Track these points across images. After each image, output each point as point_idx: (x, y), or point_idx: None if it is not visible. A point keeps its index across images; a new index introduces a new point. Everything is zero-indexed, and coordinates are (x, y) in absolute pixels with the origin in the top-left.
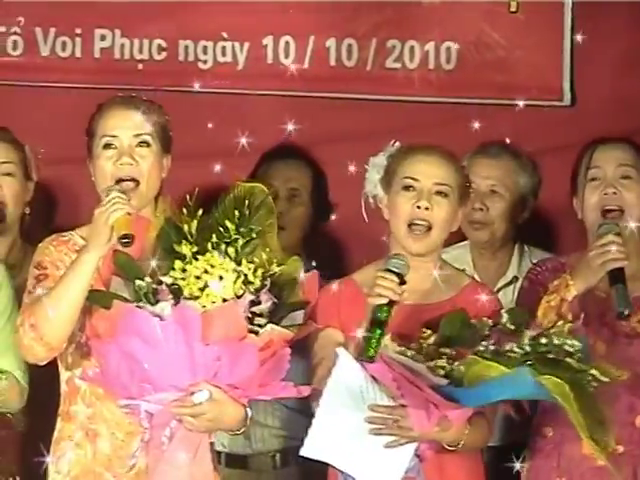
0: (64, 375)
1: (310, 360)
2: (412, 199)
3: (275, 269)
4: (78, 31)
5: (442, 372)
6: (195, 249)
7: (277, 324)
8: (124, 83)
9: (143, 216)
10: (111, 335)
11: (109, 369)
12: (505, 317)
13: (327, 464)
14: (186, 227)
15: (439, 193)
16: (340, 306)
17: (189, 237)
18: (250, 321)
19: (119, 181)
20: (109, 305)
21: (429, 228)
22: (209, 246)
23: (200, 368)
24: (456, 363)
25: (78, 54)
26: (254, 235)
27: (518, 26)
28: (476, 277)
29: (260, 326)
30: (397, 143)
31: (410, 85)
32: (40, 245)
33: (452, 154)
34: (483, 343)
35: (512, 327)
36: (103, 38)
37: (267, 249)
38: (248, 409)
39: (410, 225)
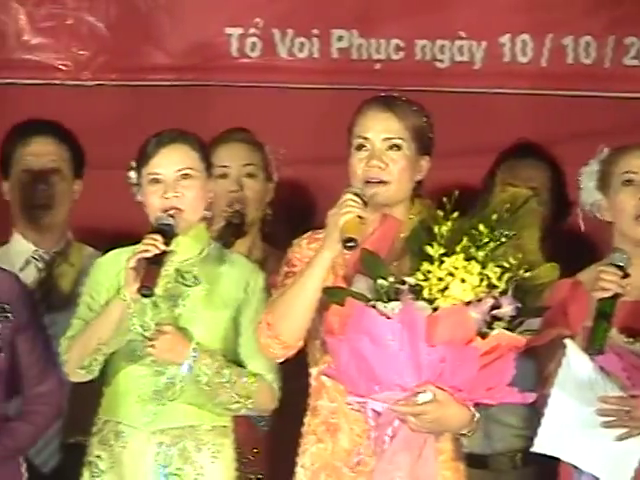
0: (313, 371)
1: (539, 364)
2: (636, 193)
3: (523, 275)
4: (315, 32)
5: None
6: (442, 251)
7: (515, 329)
8: (361, 83)
9: (394, 216)
10: (343, 332)
11: (340, 365)
12: None
13: (559, 460)
14: (437, 229)
15: None
16: (567, 307)
17: (439, 239)
18: (489, 325)
19: (367, 182)
20: (343, 302)
21: None
22: (457, 249)
23: (425, 369)
24: None
25: (316, 55)
26: (505, 239)
27: None
28: None
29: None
30: (605, 149)
31: None
32: (294, 241)
33: None
34: None
35: None
36: (340, 39)
37: (519, 254)
38: (475, 412)
39: (638, 217)
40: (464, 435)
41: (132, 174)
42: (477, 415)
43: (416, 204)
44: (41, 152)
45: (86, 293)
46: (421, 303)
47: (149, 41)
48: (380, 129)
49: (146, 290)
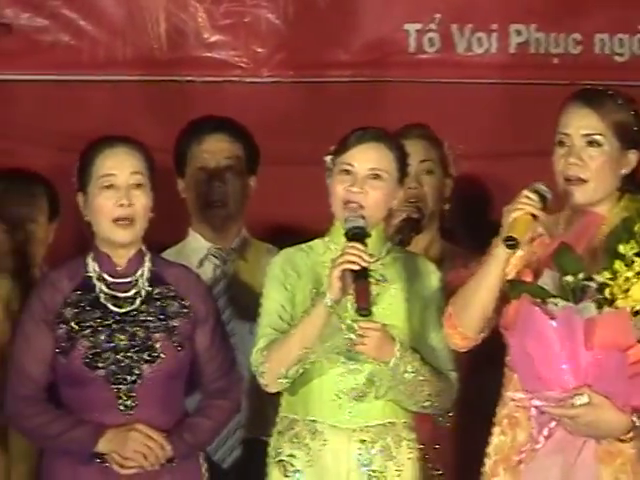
0: (507, 359)
1: None
2: None
3: None
4: (494, 27)
5: None
6: (636, 251)
7: None
8: (539, 78)
9: (595, 212)
10: (514, 327)
11: (513, 360)
12: None
13: None
14: (637, 227)
15: None
16: None
17: (637, 238)
18: None
19: (567, 180)
20: (518, 297)
21: None
22: None
23: (583, 372)
24: None
25: (493, 50)
26: None
27: None
28: None
29: None
30: None
31: None
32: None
33: None
34: None
35: None
36: (519, 33)
37: None
38: (635, 419)
39: None
40: (623, 441)
41: (329, 158)
42: (637, 422)
43: (624, 200)
44: (216, 149)
45: (268, 298)
46: (584, 305)
47: (327, 37)
48: (579, 125)
49: (364, 311)
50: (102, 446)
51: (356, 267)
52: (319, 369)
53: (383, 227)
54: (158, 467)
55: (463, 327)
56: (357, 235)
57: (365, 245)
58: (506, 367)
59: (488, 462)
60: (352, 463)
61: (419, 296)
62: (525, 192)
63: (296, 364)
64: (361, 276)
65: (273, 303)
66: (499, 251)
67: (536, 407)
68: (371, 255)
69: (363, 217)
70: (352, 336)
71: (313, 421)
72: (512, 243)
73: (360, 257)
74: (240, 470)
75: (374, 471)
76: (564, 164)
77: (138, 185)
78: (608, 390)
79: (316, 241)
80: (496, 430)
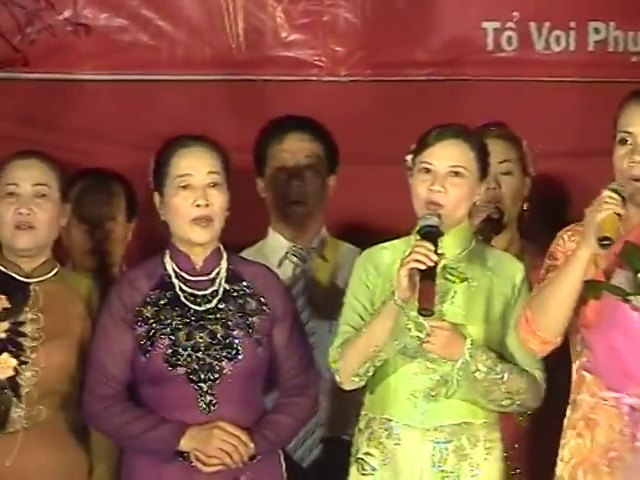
0: (575, 364)
1: None
2: None
3: None
4: (572, 25)
5: None
6: None
7: None
8: (617, 76)
9: None
10: (597, 326)
11: (597, 360)
12: None
13: None
14: None
15: None
16: None
17: None
18: None
19: (631, 180)
20: (599, 296)
21: None
22: None
23: None
24: None
25: (572, 48)
26: None
27: None
28: None
29: None
30: None
31: None
32: (558, 234)
33: None
34: None
35: None
36: (597, 31)
37: None
38: None
39: None
40: None
41: (409, 157)
42: None
43: None
44: (296, 149)
45: (350, 295)
46: None
47: (405, 36)
48: None
49: (426, 312)
50: (185, 444)
51: (423, 266)
52: (394, 368)
53: (466, 224)
54: (241, 465)
55: (543, 331)
56: (429, 233)
57: (436, 244)
58: (576, 370)
59: (564, 466)
60: (425, 463)
61: (502, 294)
62: (607, 192)
63: (366, 362)
64: (427, 276)
65: (353, 301)
66: (582, 253)
67: (629, 405)
68: (440, 255)
69: (439, 216)
70: (420, 335)
71: (388, 420)
72: (607, 243)
73: (427, 256)
74: (319, 469)
75: (448, 471)
76: (628, 163)
77: (215, 184)
78: None
79: (400, 239)
80: (571, 433)
